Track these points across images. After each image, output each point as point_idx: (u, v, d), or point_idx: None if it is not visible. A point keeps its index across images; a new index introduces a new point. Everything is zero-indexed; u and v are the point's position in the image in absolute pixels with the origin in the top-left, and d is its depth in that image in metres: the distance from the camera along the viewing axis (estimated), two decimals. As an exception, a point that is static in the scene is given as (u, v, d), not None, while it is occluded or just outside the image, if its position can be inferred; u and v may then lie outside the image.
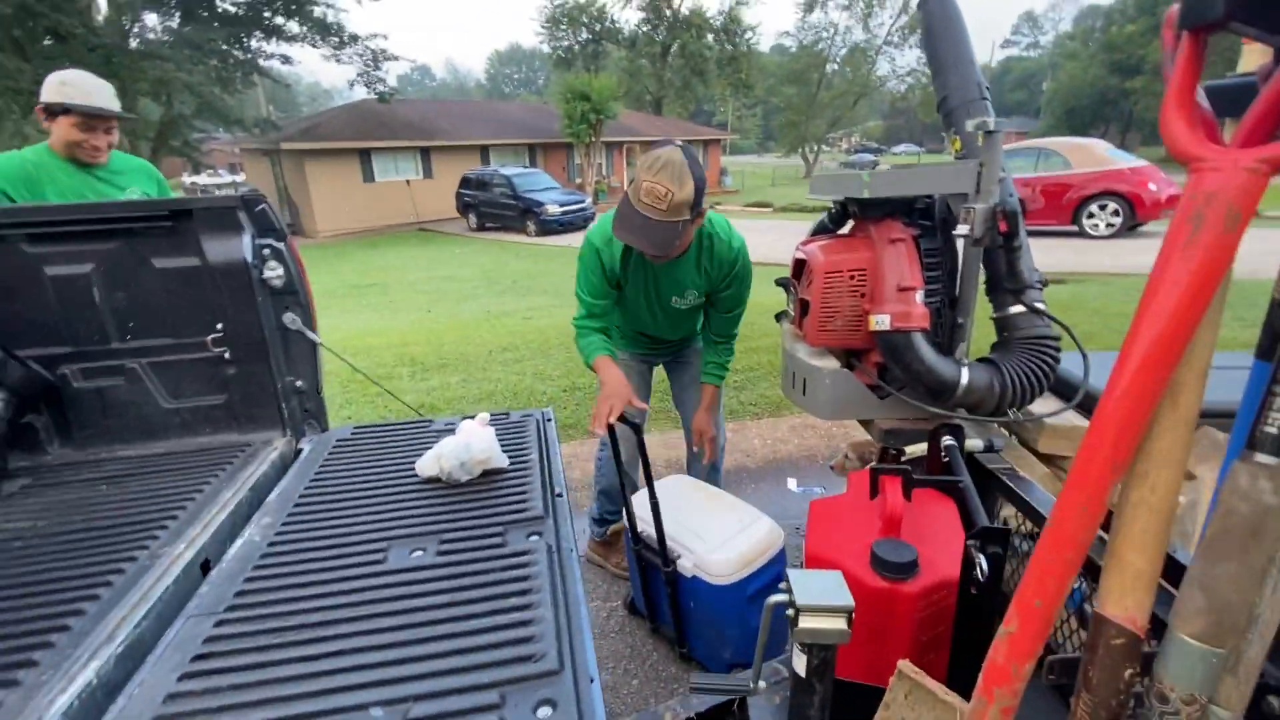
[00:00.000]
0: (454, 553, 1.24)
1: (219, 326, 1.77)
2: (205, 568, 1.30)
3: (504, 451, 1.59)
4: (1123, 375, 0.62)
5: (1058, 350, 1.63)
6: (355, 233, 17.75)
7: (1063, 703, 1.16)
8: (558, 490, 1.49)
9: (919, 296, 1.64)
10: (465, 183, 17.13)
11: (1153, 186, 9.58)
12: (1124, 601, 0.64)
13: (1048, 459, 1.80)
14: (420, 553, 1.25)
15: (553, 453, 1.69)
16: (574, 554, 1.24)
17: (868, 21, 34.46)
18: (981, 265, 1.69)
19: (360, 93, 18.04)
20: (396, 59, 16.38)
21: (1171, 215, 0.61)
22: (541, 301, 7.56)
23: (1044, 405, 1.89)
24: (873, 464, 1.34)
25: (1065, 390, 1.85)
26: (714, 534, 1.84)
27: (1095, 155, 10.10)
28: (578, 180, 21.52)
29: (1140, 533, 0.64)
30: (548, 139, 21.66)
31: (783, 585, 1.05)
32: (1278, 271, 1.12)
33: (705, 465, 2.37)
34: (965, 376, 1.61)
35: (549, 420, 1.89)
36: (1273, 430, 0.56)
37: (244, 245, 1.72)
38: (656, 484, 1.94)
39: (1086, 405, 1.84)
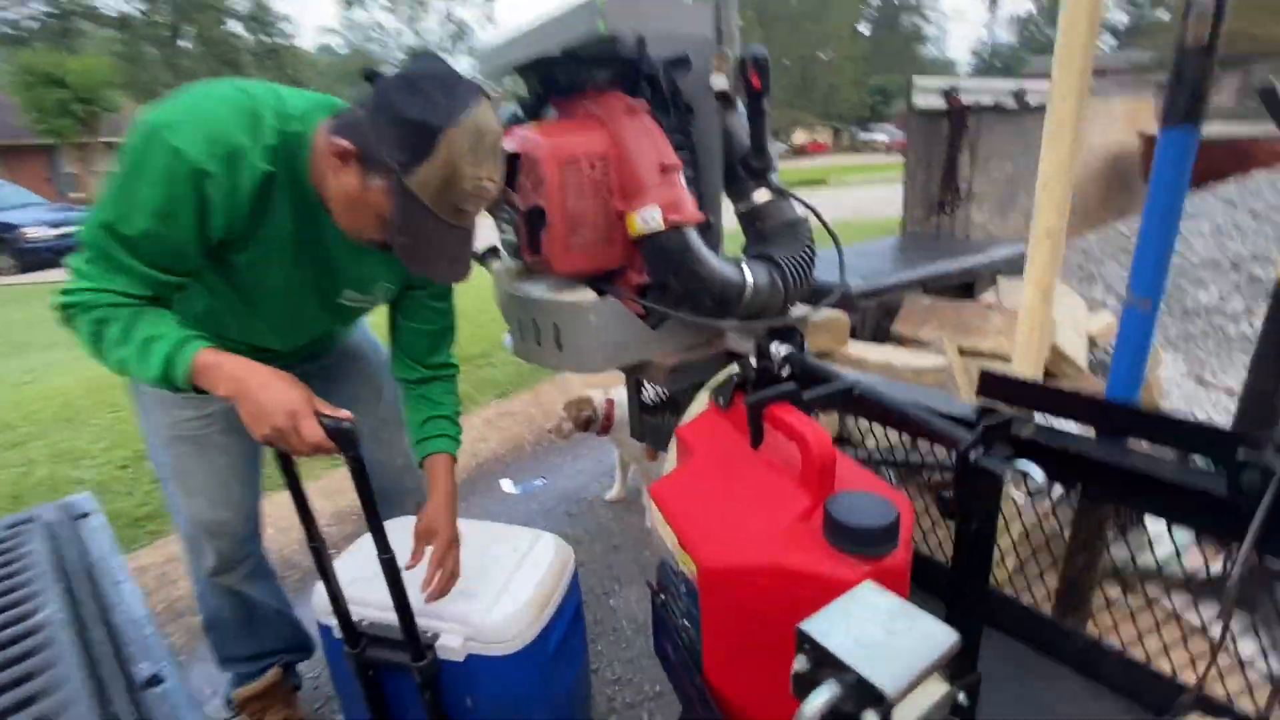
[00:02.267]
0: None
1: None
2: None
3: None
4: None
5: (811, 233, 1.42)
6: None
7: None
8: (139, 659, 0.61)
9: (683, 180, 1.24)
10: None
11: None
12: None
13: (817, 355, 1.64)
14: None
15: (102, 580, 0.76)
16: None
17: (415, 26, 34.19)
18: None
19: None
20: None
21: None
22: (47, 358, 4.96)
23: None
24: (749, 398, 0.87)
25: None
26: (486, 584, 1.21)
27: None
28: (74, 194, 15.70)
29: None
30: (8, 140, 15.24)
31: (804, 661, 0.50)
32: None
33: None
34: (749, 276, 1.28)
35: (84, 516, 0.89)
36: None
37: None
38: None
39: (843, 303, 1.75)
